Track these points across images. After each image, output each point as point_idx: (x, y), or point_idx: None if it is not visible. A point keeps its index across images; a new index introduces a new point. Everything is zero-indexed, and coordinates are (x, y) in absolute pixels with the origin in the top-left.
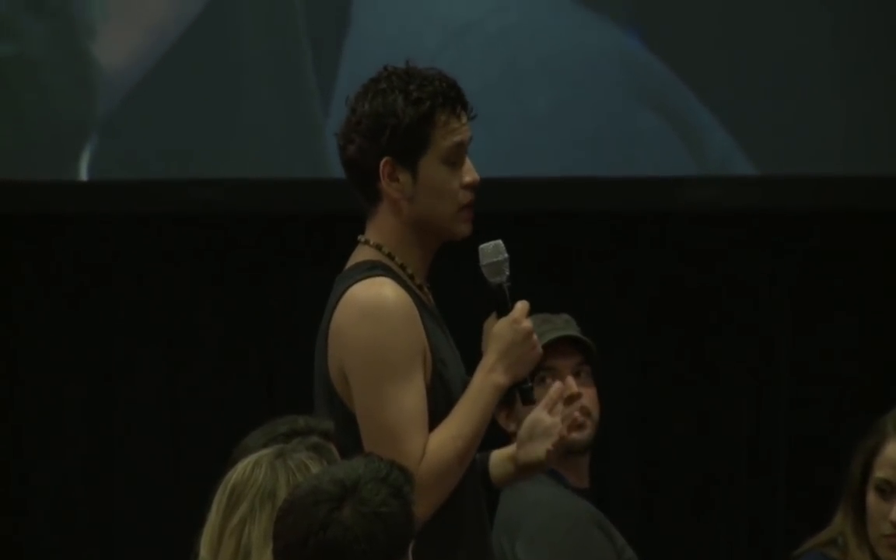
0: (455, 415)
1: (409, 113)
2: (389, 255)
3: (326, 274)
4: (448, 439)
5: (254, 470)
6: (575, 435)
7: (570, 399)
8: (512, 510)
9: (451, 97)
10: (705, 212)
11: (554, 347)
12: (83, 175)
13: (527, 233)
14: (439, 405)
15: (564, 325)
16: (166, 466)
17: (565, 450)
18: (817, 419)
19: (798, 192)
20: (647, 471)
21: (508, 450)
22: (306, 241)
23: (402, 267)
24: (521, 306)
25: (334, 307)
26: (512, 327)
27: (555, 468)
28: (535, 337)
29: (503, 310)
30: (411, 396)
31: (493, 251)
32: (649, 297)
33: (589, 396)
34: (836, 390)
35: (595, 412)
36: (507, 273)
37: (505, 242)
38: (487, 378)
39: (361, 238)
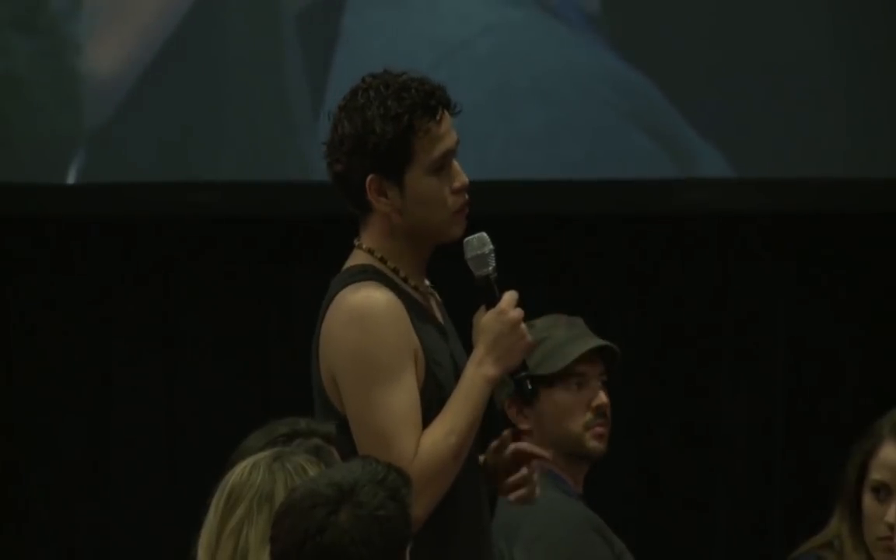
0: (447, 411)
1: (389, 130)
2: (382, 259)
3: (322, 276)
4: (441, 436)
5: (251, 472)
6: (598, 444)
7: (600, 408)
8: (511, 513)
9: (430, 106)
10: (700, 215)
11: (584, 354)
12: (77, 180)
13: (522, 236)
14: (432, 406)
15: (589, 332)
16: (164, 468)
17: (584, 458)
18: (816, 423)
19: (799, 195)
20: (645, 474)
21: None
22: (302, 244)
23: (395, 270)
24: (509, 297)
25: (325, 313)
26: (499, 318)
27: (555, 471)
28: (523, 326)
29: (491, 301)
30: (401, 396)
31: (477, 244)
32: (647, 299)
33: (607, 406)
34: (836, 394)
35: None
36: (493, 264)
37: (496, 245)
38: (477, 371)
39: (356, 242)
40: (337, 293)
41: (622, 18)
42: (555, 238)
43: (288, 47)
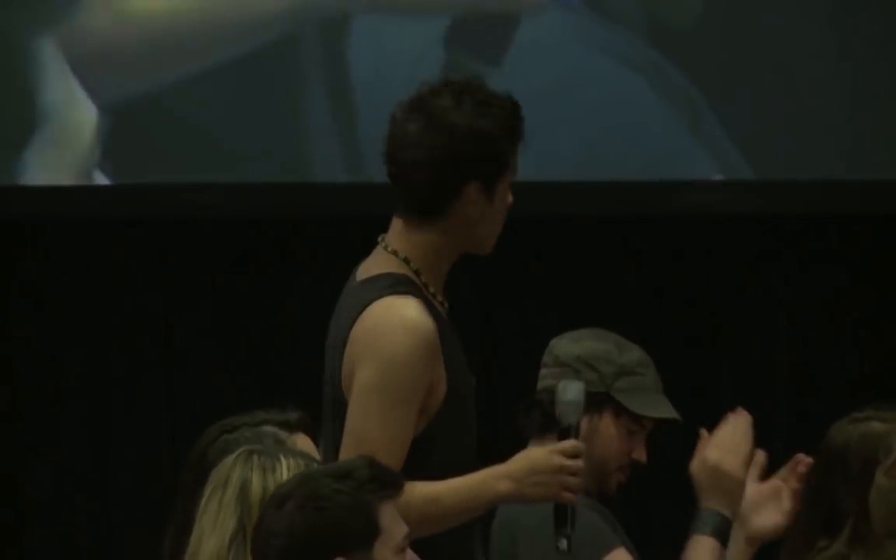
0: (447, 484)
1: (505, 140)
2: (416, 272)
3: (322, 276)
4: (420, 498)
5: (226, 462)
6: (613, 490)
7: (636, 463)
8: (511, 507)
9: (520, 127)
10: (705, 216)
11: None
12: (80, 180)
13: (525, 237)
14: (456, 424)
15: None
16: (164, 469)
17: (602, 491)
18: (816, 424)
19: (799, 197)
20: (645, 476)
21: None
22: (302, 244)
23: (426, 285)
24: (571, 446)
25: (357, 315)
26: (548, 454)
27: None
28: (565, 478)
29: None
30: (398, 426)
31: (575, 393)
32: (649, 301)
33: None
34: (837, 395)
35: None
36: (580, 417)
37: (500, 245)
38: (494, 482)
39: (382, 240)
40: (373, 300)
41: (623, 21)
42: (556, 239)
43: (298, 50)
